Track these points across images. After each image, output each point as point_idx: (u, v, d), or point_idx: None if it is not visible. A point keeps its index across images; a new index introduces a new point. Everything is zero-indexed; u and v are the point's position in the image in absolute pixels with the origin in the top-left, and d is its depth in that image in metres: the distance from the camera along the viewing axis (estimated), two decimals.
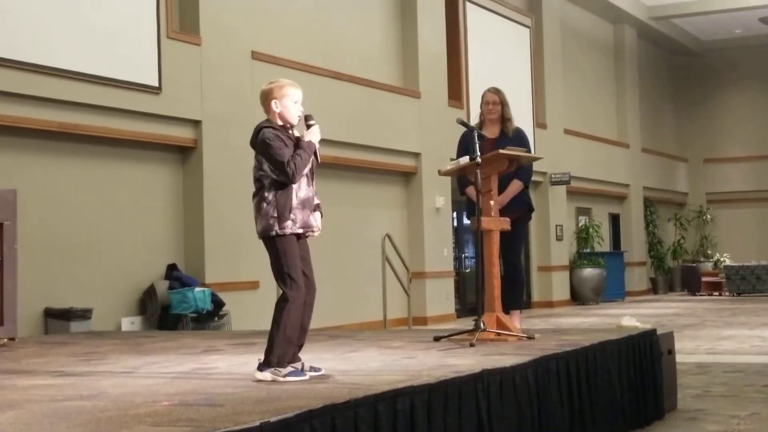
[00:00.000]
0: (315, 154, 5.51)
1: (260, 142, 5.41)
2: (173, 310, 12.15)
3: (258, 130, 5.48)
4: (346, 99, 16.18)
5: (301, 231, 5.41)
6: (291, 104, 5.52)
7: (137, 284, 12.43)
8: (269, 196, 5.38)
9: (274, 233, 5.35)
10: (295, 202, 5.39)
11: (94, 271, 11.90)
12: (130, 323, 12.18)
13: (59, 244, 11.53)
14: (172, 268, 12.76)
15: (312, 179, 5.55)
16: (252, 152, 5.51)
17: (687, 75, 33.35)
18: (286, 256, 5.34)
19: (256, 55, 14.30)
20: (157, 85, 12.57)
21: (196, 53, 13.28)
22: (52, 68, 11.23)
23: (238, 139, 13.05)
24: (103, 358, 7.03)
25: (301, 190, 5.43)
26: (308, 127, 5.55)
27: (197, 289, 12.33)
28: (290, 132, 5.52)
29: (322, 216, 5.61)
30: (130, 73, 12.23)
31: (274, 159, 5.34)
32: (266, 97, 5.53)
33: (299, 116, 5.56)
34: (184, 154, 13.34)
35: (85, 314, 11.20)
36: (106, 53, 11.95)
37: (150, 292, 12.38)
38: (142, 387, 5.13)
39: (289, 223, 5.36)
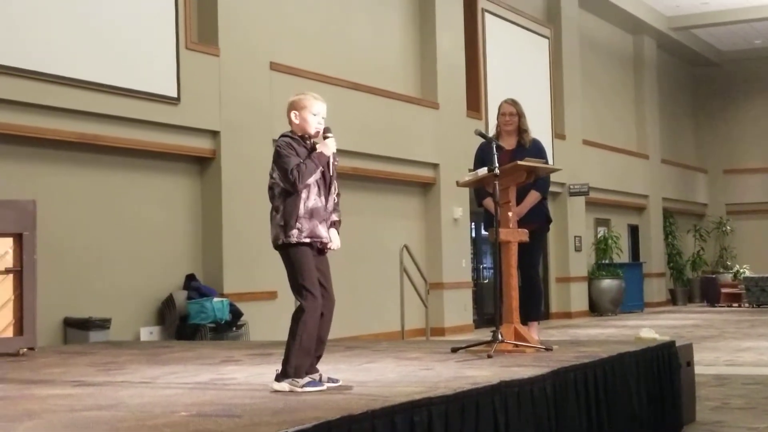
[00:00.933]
0: (328, 166, 5.53)
1: (274, 150, 5.47)
2: (191, 320, 12.17)
3: (276, 139, 5.56)
4: (365, 110, 16.20)
5: (308, 240, 5.41)
6: (309, 116, 5.54)
7: (156, 294, 12.47)
8: (279, 204, 5.44)
9: (281, 242, 5.39)
10: (301, 211, 5.41)
11: (112, 281, 11.94)
12: (148, 333, 12.21)
13: (78, 254, 11.57)
14: (190, 278, 12.79)
15: (326, 191, 5.54)
16: (270, 163, 5.54)
17: (706, 85, 33.26)
18: (300, 267, 5.36)
19: (274, 66, 14.34)
20: (176, 95, 12.62)
21: (214, 64, 13.32)
22: (72, 79, 11.29)
23: (257, 149, 13.11)
24: (121, 368, 7.05)
25: (309, 199, 5.45)
26: (324, 138, 5.58)
27: (215, 299, 12.36)
28: (308, 143, 5.54)
29: (338, 233, 5.61)
30: (150, 84, 12.28)
31: (281, 167, 5.40)
32: (288, 109, 5.59)
33: (318, 129, 5.58)
34: (203, 164, 13.38)
35: (103, 324, 11.23)
36: (125, 64, 12.01)
37: (168, 302, 12.41)
38: (160, 397, 5.14)
39: (294, 231, 5.37)
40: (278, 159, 5.41)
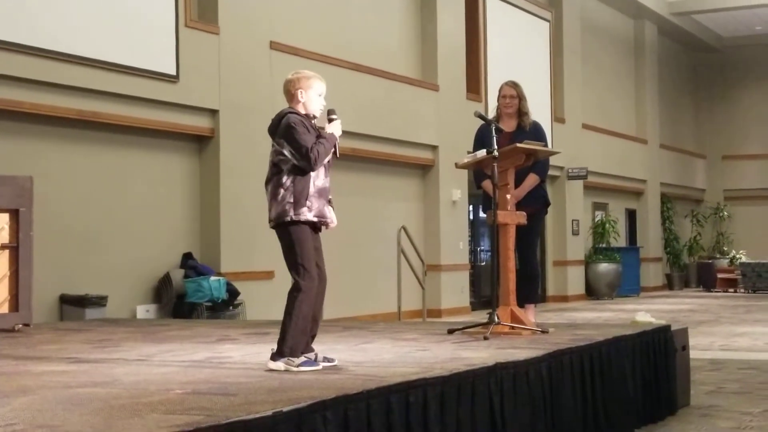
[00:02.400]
0: (335, 147, 5.51)
1: (284, 126, 5.40)
2: (188, 298, 12.18)
3: (282, 115, 5.48)
4: (365, 91, 16.17)
5: (315, 219, 5.40)
6: (315, 96, 5.53)
7: (153, 272, 12.46)
8: (287, 181, 5.37)
9: (288, 219, 5.34)
10: (312, 189, 5.39)
11: (109, 258, 11.93)
12: (145, 311, 12.21)
13: (75, 231, 11.56)
14: (187, 256, 12.78)
15: (328, 172, 5.55)
16: (270, 143, 5.51)
17: (707, 71, 33.21)
18: (300, 246, 5.34)
19: (274, 45, 14.30)
20: (174, 73, 12.59)
21: (214, 42, 13.28)
22: (71, 55, 11.25)
23: (256, 128, 13.06)
24: (117, 346, 7.05)
25: (318, 178, 5.44)
26: (330, 120, 5.55)
27: (212, 278, 12.35)
28: (312, 122, 5.52)
29: (334, 210, 5.61)
30: (148, 61, 12.24)
31: (298, 143, 5.33)
32: (292, 86, 5.53)
33: (321, 109, 5.57)
34: (201, 143, 13.35)
35: (100, 301, 11.23)
36: (124, 41, 11.97)
37: (165, 280, 12.41)
38: (155, 375, 5.14)
39: (304, 209, 5.35)
40: (293, 135, 5.35)
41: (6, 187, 8.92)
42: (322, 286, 5.45)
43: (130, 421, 3.53)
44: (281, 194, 5.37)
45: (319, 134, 5.47)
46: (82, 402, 4.10)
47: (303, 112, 5.51)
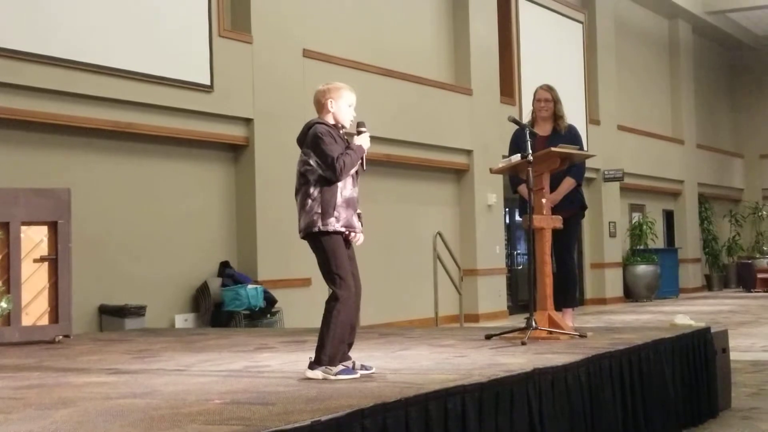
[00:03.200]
0: (362, 159, 5.52)
1: (311, 136, 5.42)
2: (226, 307, 12.22)
3: (310, 125, 5.51)
4: (398, 96, 16.17)
5: (343, 230, 5.41)
6: (345, 106, 5.55)
7: (190, 282, 12.52)
8: (314, 192, 5.39)
9: (317, 230, 5.36)
10: (339, 199, 5.40)
11: (147, 268, 12.00)
12: (183, 320, 12.27)
13: (113, 241, 11.64)
14: (224, 265, 12.83)
15: (356, 182, 5.56)
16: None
17: (743, 70, 32.96)
18: (334, 255, 5.35)
19: (307, 53, 14.33)
20: (209, 83, 12.65)
21: (247, 51, 13.33)
22: (106, 67, 11.33)
23: (290, 136, 12.98)
24: (156, 356, 7.09)
25: (346, 189, 5.45)
26: (359, 133, 5.57)
27: (250, 286, 12.39)
28: (341, 132, 5.54)
29: (362, 225, 5.60)
30: (183, 71, 12.31)
31: (324, 153, 5.35)
32: (322, 96, 5.55)
33: (351, 121, 5.58)
34: (237, 152, 13.41)
35: (139, 311, 11.29)
36: (158, 52, 12.04)
37: (203, 289, 12.46)
38: (194, 385, 5.16)
39: (332, 220, 5.36)
40: (320, 145, 5.37)
41: (44, 200, 9.00)
42: (358, 294, 5.46)
43: None
44: (309, 204, 5.39)
45: (348, 145, 5.48)
46: (122, 413, 4.13)
47: (332, 122, 5.53)
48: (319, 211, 5.36)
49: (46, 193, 9.10)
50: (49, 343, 8.71)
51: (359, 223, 5.55)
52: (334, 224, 5.37)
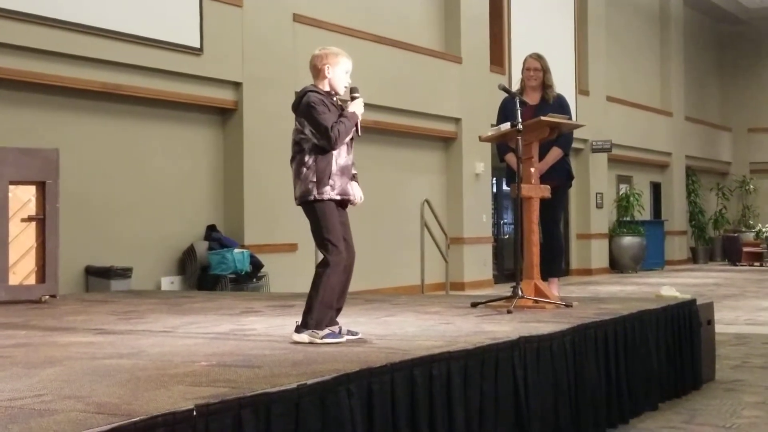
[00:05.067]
0: (356, 125, 5.50)
1: (304, 105, 5.40)
2: (212, 270, 12.22)
3: (303, 93, 5.48)
4: (387, 63, 16.14)
5: (338, 198, 5.42)
6: (342, 73, 5.52)
7: (177, 244, 12.52)
8: (309, 160, 5.38)
9: (312, 198, 5.36)
10: (334, 168, 5.39)
11: (134, 230, 11.99)
12: (169, 283, 12.27)
13: (100, 203, 11.62)
14: (211, 229, 12.83)
15: (351, 149, 5.55)
16: (293, 116, 5.51)
17: (733, 43, 32.95)
18: (326, 222, 5.36)
19: (297, 18, 14.28)
20: (198, 46, 12.60)
21: (237, 15, 13.27)
22: (96, 28, 11.28)
23: (279, 101, 13.08)
24: (142, 317, 7.09)
25: (340, 157, 5.44)
26: (352, 99, 5.55)
27: (236, 250, 12.39)
28: (335, 99, 5.52)
29: (359, 185, 5.61)
30: (172, 34, 12.25)
31: (318, 123, 5.34)
32: (319, 61, 5.52)
33: (346, 87, 5.56)
34: (225, 115, 13.37)
35: (125, 273, 11.29)
36: (148, 14, 11.98)
37: (189, 252, 12.46)
38: (180, 347, 5.17)
39: (327, 188, 5.36)
40: (313, 115, 5.35)
41: (32, 160, 8.97)
42: (351, 260, 5.46)
43: (156, 393, 3.56)
44: (304, 173, 5.38)
45: (341, 113, 5.46)
46: (108, 373, 4.13)
47: (326, 89, 5.50)
48: (314, 179, 5.36)
49: (34, 153, 9.07)
50: (36, 302, 8.71)
51: (357, 190, 5.54)
52: (329, 192, 5.37)
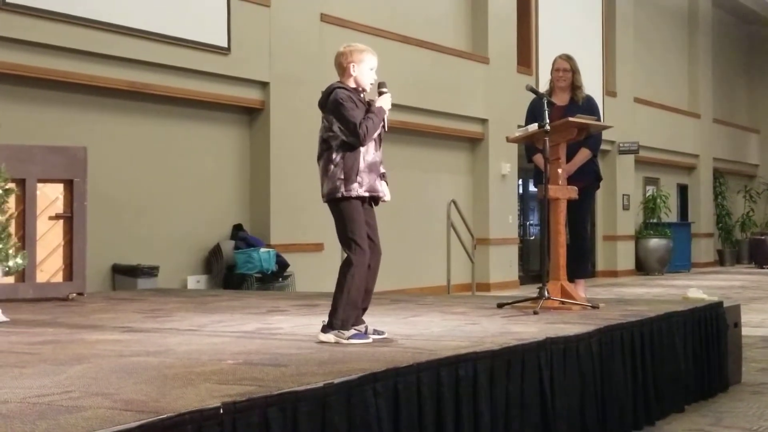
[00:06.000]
0: (384, 121, 5.49)
1: (332, 102, 5.40)
2: (238, 269, 12.25)
3: (330, 90, 5.47)
4: (414, 63, 16.13)
5: (366, 195, 5.41)
6: (367, 69, 5.51)
7: (203, 243, 12.55)
8: (336, 158, 5.37)
9: (340, 195, 5.34)
10: (362, 165, 5.38)
11: (161, 229, 12.04)
12: (195, 282, 12.31)
13: (128, 201, 11.67)
14: (237, 228, 12.86)
15: (379, 145, 5.54)
16: (319, 114, 5.51)
17: (761, 45, 32.74)
18: (351, 221, 5.35)
19: (324, 18, 14.30)
20: (226, 45, 12.63)
21: (265, 15, 13.30)
22: (125, 27, 11.33)
23: (306, 101, 13.09)
24: (169, 316, 7.12)
25: (368, 153, 5.42)
26: (380, 94, 5.54)
27: (262, 249, 12.42)
28: (362, 96, 5.51)
29: (388, 185, 5.60)
30: (200, 33, 12.29)
31: (346, 119, 5.33)
32: (344, 59, 5.51)
33: (372, 83, 5.55)
34: (252, 115, 13.40)
35: (152, 271, 11.33)
36: (176, 13, 12.02)
37: (216, 251, 12.49)
38: (207, 345, 5.18)
39: (355, 185, 5.35)
40: (341, 111, 5.34)
41: (61, 158, 9.02)
42: (376, 260, 5.46)
43: (183, 390, 3.57)
44: (332, 170, 5.37)
45: (368, 108, 5.45)
46: (135, 371, 4.15)
47: (353, 85, 5.50)
48: (342, 176, 5.34)
49: (62, 151, 9.11)
50: (63, 300, 8.76)
51: (383, 185, 5.54)
52: (357, 189, 5.36)
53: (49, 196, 8.98)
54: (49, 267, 8.94)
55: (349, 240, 5.35)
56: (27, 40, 10.41)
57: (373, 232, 5.47)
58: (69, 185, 9.06)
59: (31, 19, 10.41)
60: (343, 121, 5.34)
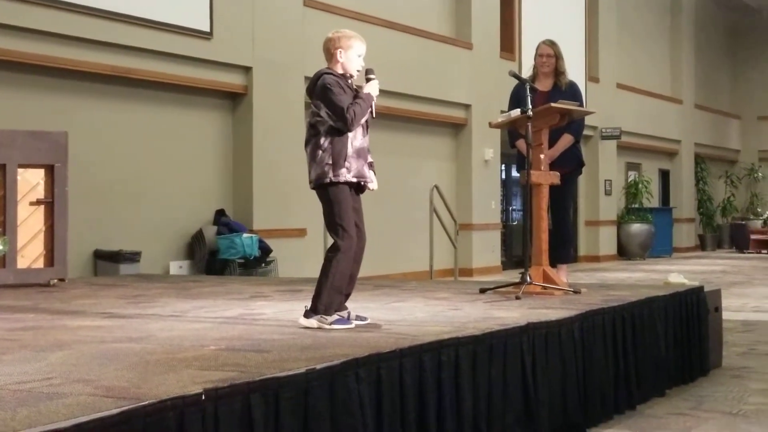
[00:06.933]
0: (371, 107, 5.49)
1: (320, 87, 5.39)
2: (221, 255, 12.23)
3: (318, 76, 5.47)
4: (398, 49, 16.10)
5: (354, 180, 5.40)
6: (355, 56, 5.51)
7: (186, 229, 12.52)
8: (324, 143, 5.36)
9: (328, 180, 5.34)
10: (350, 150, 5.38)
11: (143, 214, 12.00)
12: (178, 267, 12.29)
13: (109, 186, 11.63)
14: (220, 213, 12.83)
15: (366, 131, 5.54)
16: (302, 99, 5.51)
17: (743, 31, 32.83)
18: (339, 206, 5.35)
19: (308, 2, 14.25)
20: (208, 30, 12.58)
21: None
22: (106, 11, 11.27)
23: (289, 86, 13.09)
24: (151, 302, 7.10)
25: (356, 139, 5.42)
26: (368, 80, 5.54)
27: (245, 235, 12.40)
28: (350, 82, 5.51)
29: (375, 173, 5.61)
30: (183, 18, 12.24)
31: (334, 104, 5.32)
32: (332, 44, 5.51)
33: (359, 70, 5.55)
34: (235, 100, 13.36)
35: (134, 257, 11.30)
36: None
37: (198, 236, 12.47)
38: (189, 331, 5.17)
39: (343, 170, 5.34)
40: (329, 96, 5.33)
41: (42, 143, 8.98)
42: (361, 247, 5.46)
43: (165, 377, 3.56)
44: (320, 156, 5.36)
45: (356, 94, 5.45)
46: (117, 357, 4.14)
47: (340, 71, 5.49)
48: (330, 162, 5.34)
49: (43, 136, 9.08)
50: (44, 286, 8.73)
51: (371, 173, 5.54)
52: (345, 175, 5.35)
53: (30, 182, 8.95)
54: (30, 253, 8.92)
55: (337, 226, 5.35)
56: (7, 24, 10.34)
57: (359, 218, 5.48)
58: (50, 170, 9.03)
59: (13, 2, 10.35)
60: (330, 106, 5.34)
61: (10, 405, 3.04)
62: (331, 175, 5.33)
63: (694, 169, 29.06)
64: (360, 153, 5.44)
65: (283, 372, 3.64)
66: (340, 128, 5.34)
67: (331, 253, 5.32)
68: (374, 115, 5.54)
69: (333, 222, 5.36)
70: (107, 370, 3.77)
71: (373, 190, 5.57)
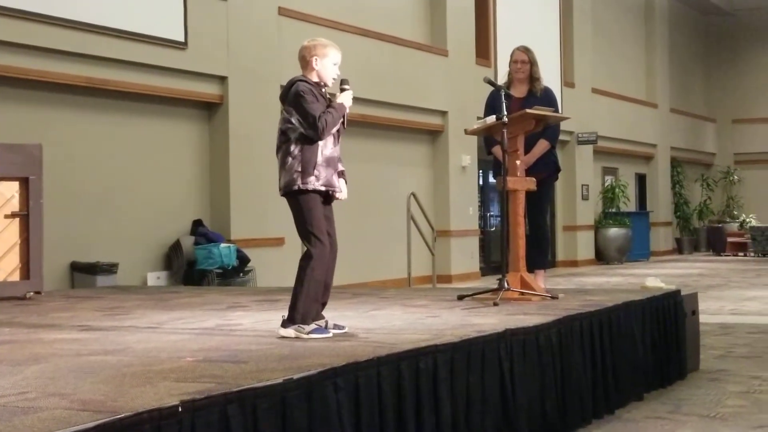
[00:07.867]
0: (343, 117, 5.50)
1: (293, 94, 5.39)
2: (199, 265, 12.20)
3: (292, 82, 5.47)
4: (373, 56, 16.12)
5: (323, 189, 5.40)
6: (330, 64, 5.52)
7: (163, 239, 12.48)
8: (295, 150, 5.37)
9: (296, 188, 5.34)
10: (319, 158, 5.38)
11: (120, 225, 11.96)
12: (155, 278, 12.24)
13: (85, 198, 11.58)
14: (197, 223, 12.80)
15: (338, 141, 5.54)
16: (279, 107, 5.50)
17: (717, 35, 33.02)
18: (309, 214, 5.35)
19: (282, 11, 14.25)
20: (183, 40, 12.56)
21: (222, 8, 13.23)
22: (80, 23, 11.24)
23: (264, 95, 13.07)
24: (128, 313, 7.07)
25: (326, 148, 5.43)
26: (342, 90, 5.55)
27: (222, 245, 12.37)
28: (323, 90, 5.51)
29: (346, 182, 5.61)
30: (157, 28, 12.21)
31: (306, 112, 5.32)
32: (308, 52, 5.51)
33: (334, 79, 5.55)
34: (211, 110, 13.34)
35: (111, 268, 11.26)
36: (132, 8, 11.93)
37: (176, 247, 12.43)
38: (166, 343, 5.15)
39: (312, 178, 5.35)
40: (301, 104, 5.34)
41: (15, 156, 8.93)
42: (333, 255, 5.46)
43: (141, 389, 3.55)
44: (289, 163, 5.37)
45: (329, 104, 5.45)
46: (93, 370, 4.12)
47: (315, 79, 5.49)
48: (299, 169, 5.34)
49: (17, 149, 9.03)
50: (20, 299, 8.68)
51: (341, 182, 5.54)
52: (314, 183, 5.36)
53: (5, 195, 8.89)
54: (6, 266, 8.86)
55: (309, 233, 5.35)
56: None
57: (331, 226, 5.48)
58: (24, 183, 8.98)
59: None
60: (302, 113, 5.34)
61: None
62: (299, 182, 5.33)
63: (671, 172, 29.18)
64: (330, 162, 5.44)
65: (260, 382, 3.63)
66: (311, 136, 5.34)
67: (305, 262, 5.32)
68: (345, 126, 5.54)
69: (305, 230, 5.36)
70: (83, 383, 3.75)
71: (342, 200, 5.56)
